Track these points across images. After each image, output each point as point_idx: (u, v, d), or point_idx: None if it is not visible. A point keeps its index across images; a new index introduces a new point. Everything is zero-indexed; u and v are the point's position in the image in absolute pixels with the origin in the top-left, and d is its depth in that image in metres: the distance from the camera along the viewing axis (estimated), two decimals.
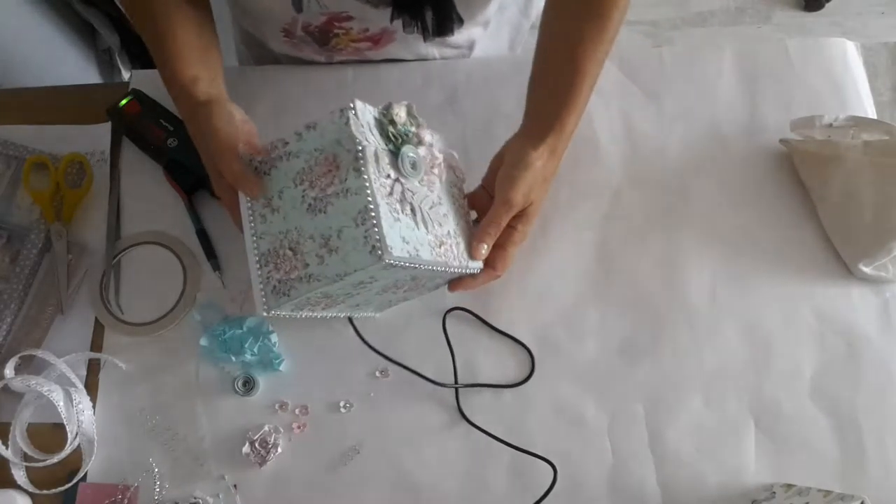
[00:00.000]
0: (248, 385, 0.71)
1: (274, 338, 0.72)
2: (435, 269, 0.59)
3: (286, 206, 0.58)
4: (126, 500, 0.68)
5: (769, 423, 0.70)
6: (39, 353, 0.70)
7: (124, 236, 0.77)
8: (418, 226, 0.58)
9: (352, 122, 0.56)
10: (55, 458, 0.68)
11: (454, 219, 0.64)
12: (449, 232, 0.62)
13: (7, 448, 0.68)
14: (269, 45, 0.84)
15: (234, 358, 0.71)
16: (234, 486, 0.68)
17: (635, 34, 1.97)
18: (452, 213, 0.64)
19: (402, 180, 0.58)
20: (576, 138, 0.76)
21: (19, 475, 0.68)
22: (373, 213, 0.54)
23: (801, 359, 0.72)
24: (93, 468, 0.69)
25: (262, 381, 0.71)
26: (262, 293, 0.58)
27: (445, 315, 0.73)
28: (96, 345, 0.73)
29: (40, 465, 0.68)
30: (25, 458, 0.69)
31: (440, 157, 0.63)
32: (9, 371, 0.69)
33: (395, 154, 0.58)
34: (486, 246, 0.65)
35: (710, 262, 0.75)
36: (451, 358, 0.71)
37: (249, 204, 0.60)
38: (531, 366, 0.72)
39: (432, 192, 0.62)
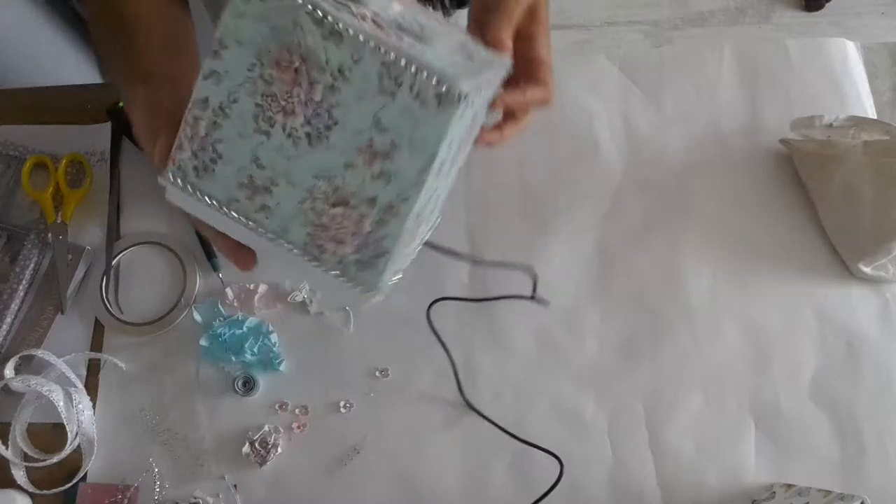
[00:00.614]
0: (248, 385, 0.71)
1: (274, 338, 0.72)
2: (492, 81, 0.45)
3: (277, 166, 0.42)
4: (126, 500, 0.68)
5: (769, 423, 0.70)
6: (39, 353, 0.70)
7: (124, 236, 0.77)
8: (437, 41, 0.43)
9: None
10: (55, 458, 0.68)
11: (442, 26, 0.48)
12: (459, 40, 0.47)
13: (7, 448, 0.68)
14: None
15: (234, 358, 0.71)
16: (234, 486, 0.68)
17: (635, 34, 1.97)
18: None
19: (373, 9, 0.42)
20: (576, 138, 0.77)
21: (19, 475, 0.68)
22: (402, 60, 0.38)
23: (801, 359, 0.72)
24: (93, 468, 0.69)
25: (262, 381, 0.71)
26: (351, 283, 0.44)
27: (429, 308, 0.70)
28: (96, 345, 0.73)
29: (40, 465, 0.68)
30: (25, 458, 0.69)
31: None
32: (9, 371, 0.69)
33: None
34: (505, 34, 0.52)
35: (710, 262, 0.75)
36: (447, 354, 0.71)
37: (234, 213, 0.44)
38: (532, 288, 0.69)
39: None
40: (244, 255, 0.49)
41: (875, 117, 0.80)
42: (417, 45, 0.41)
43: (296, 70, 0.40)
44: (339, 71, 0.39)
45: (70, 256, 0.75)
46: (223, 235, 0.48)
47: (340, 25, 0.39)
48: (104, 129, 0.80)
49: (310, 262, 0.43)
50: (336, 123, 0.40)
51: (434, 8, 0.64)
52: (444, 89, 0.38)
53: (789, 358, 0.72)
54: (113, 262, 0.75)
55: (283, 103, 0.41)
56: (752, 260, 0.76)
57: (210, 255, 0.75)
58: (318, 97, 0.40)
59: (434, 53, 0.41)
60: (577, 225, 0.77)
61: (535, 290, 0.69)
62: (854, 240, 0.73)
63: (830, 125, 0.75)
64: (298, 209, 0.43)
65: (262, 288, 0.74)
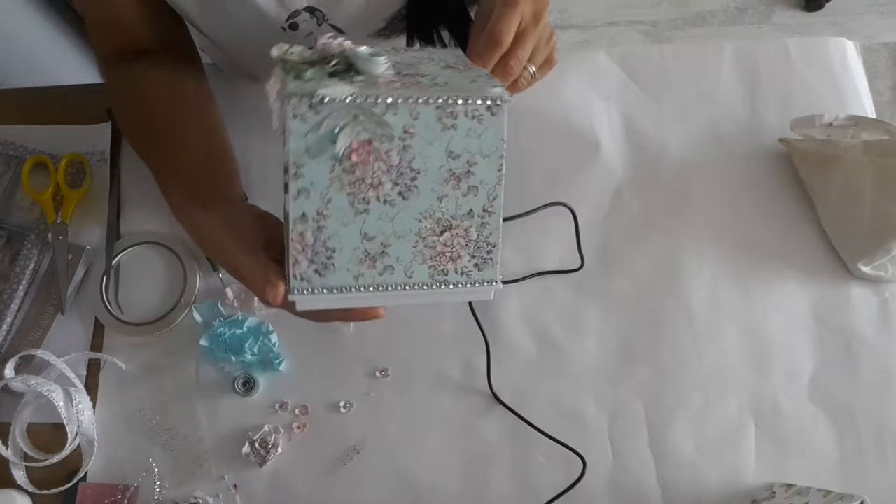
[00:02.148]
0: (248, 385, 0.71)
1: (274, 338, 0.72)
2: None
3: (384, 230, 0.48)
4: (126, 500, 0.68)
5: (769, 423, 0.70)
6: (39, 353, 0.70)
7: (124, 236, 0.77)
8: (432, 68, 0.50)
9: (322, 98, 0.44)
10: (55, 458, 0.68)
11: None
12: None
13: (7, 448, 0.68)
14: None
15: (234, 358, 0.71)
16: (234, 486, 0.68)
17: (635, 34, 1.97)
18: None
19: (382, 71, 0.48)
20: (576, 138, 0.77)
21: (19, 475, 0.68)
22: (451, 99, 0.46)
23: (801, 358, 0.72)
24: (93, 468, 0.69)
25: (262, 381, 0.71)
26: (474, 284, 0.50)
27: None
28: (96, 345, 0.73)
29: (40, 465, 0.68)
30: (25, 458, 0.69)
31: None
32: (9, 371, 0.69)
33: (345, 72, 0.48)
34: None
35: (710, 261, 0.75)
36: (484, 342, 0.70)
37: (364, 288, 0.49)
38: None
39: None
40: (373, 310, 0.52)
41: (875, 117, 0.80)
42: (434, 79, 0.48)
43: (368, 152, 0.46)
44: (405, 132, 0.46)
45: (70, 256, 0.75)
46: (350, 309, 0.52)
47: (390, 101, 0.45)
48: (104, 129, 0.80)
49: (438, 290, 0.50)
50: (419, 172, 0.47)
51: (433, 45, 0.66)
52: (489, 102, 0.46)
53: (789, 357, 0.72)
54: (113, 262, 0.75)
55: (369, 181, 0.47)
56: (752, 259, 0.76)
57: None
58: (395, 161, 0.47)
59: (454, 79, 0.48)
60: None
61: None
62: (853, 239, 0.73)
63: (830, 125, 0.75)
64: (414, 253, 0.48)
65: None
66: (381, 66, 0.47)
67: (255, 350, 0.71)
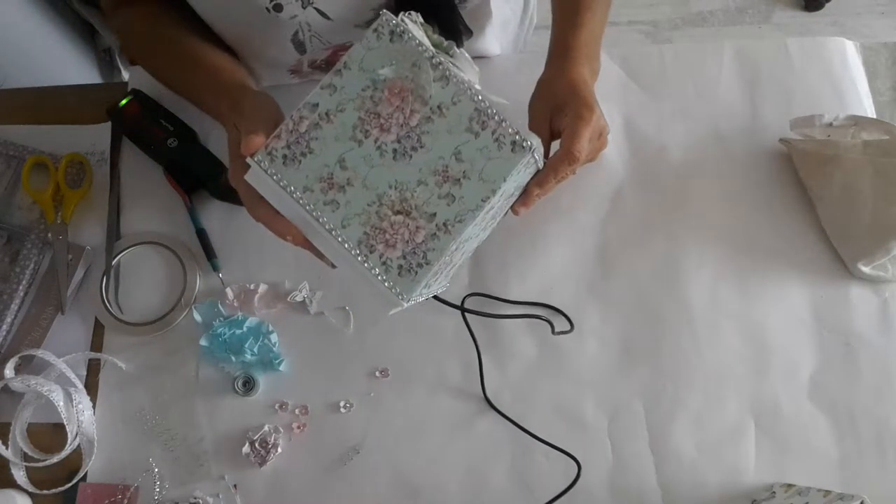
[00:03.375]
0: (248, 385, 0.71)
1: (274, 338, 0.72)
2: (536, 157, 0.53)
3: (358, 170, 0.49)
4: (126, 500, 0.68)
5: (769, 423, 0.70)
6: (39, 353, 0.70)
7: (124, 236, 0.77)
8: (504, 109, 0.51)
9: (405, 32, 0.48)
10: (55, 458, 0.68)
11: None
12: None
13: (7, 448, 0.68)
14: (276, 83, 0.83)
15: (234, 358, 0.71)
16: (234, 486, 0.68)
17: (635, 34, 1.97)
18: None
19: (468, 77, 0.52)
20: None
21: (19, 475, 0.68)
22: (491, 110, 0.48)
23: (801, 358, 0.72)
24: (93, 468, 0.69)
25: (262, 381, 0.71)
26: (388, 283, 0.49)
27: (463, 300, 0.70)
28: (96, 345, 0.73)
29: (40, 465, 0.68)
30: (25, 458, 0.69)
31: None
32: (9, 371, 0.69)
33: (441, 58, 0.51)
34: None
35: (709, 261, 0.75)
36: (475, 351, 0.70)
37: (303, 200, 0.50)
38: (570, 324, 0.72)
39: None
40: (288, 231, 0.54)
41: (875, 117, 0.80)
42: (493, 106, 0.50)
43: (402, 98, 0.49)
44: (439, 107, 0.49)
45: (70, 256, 0.75)
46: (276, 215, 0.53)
47: (451, 72, 0.49)
48: (104, 129, 0.80)
49: (356, 257, 0.49)
50: (422, 147, 0.49)
51: (454, 38, 0.67)
52: (517, 138, 0.48)
53: (789, 357, 0.72)
54: (113, 262, 0.75)
55: (381, 121, 0.49)
56: (752, 259, 0.75)
57: (210, 255, 0.75)
58: (413, 123, 0.49)
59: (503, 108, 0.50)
60: (578, 225, 0.77)
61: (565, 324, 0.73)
62: (853, 239, 0.73)
63: (830, 125, 0.75)
64: (364, 210, 0.49)
65: (262, 288, 0.74)
66: (473, 72, 0.51)
67: (255, 350, 0.71)
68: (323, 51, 0.73)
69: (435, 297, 0.61)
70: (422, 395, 0.71)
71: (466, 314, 0.67)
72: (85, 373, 0.72)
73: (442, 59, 0.49)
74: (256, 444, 0.69)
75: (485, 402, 0.70)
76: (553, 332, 0.71)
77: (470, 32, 0.71)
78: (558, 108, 0.65)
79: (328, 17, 0.66)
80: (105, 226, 0.76)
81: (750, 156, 0.80)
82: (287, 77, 0.80)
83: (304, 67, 0.77)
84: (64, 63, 1.13)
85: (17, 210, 0.78)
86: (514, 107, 0.59)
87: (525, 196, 0.60)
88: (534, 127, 0.67)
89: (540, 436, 0.68)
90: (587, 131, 0.62)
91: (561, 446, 0.68)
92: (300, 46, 0.71)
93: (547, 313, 0.73)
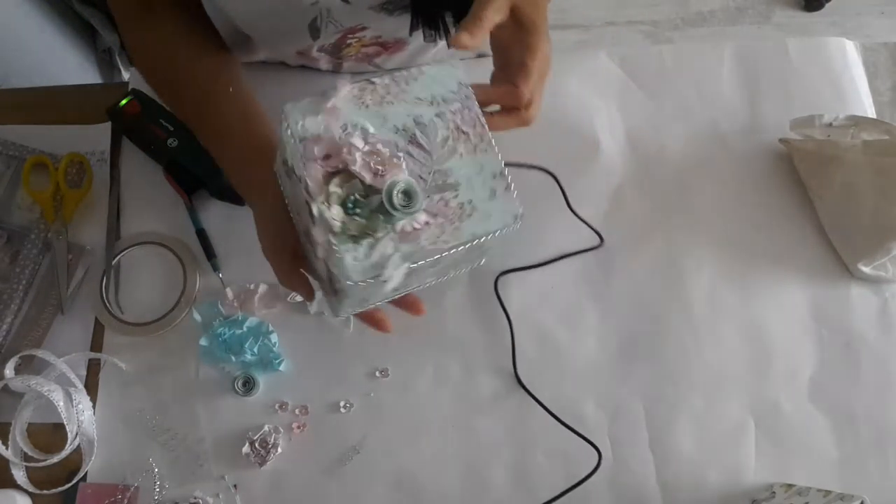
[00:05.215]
0: (248, 385, 0.71)
1: (274, 338, 0.72)
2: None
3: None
4: (126, 500, 0.68)
5: (769, 423, 0.70)
6: (39, 353, 0.70)
7: (124, 236, 0.77)
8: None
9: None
10: (55, 458, 0.68)
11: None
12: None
13: (7, 448, 0.68)
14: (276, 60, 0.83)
15: (234, 358, 0.71)
16: (234, 486, 0.68)
17: (635, 34, 1.97)
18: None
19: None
20: (576, 138, 0.77)
21: (19, 475, 0.68)
22: (477, 241, 0.48)
23: (801, 359, 0.72)
24: (93, 468, 0.69)
25: (262, 381, 0.71)
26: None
27: (497, 279, 0.73)
28: (96, 345, 0.73)
29: (40, 465, 0.68)
30: (25, 458, 0.69)
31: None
32: (9, 371, 0.69)
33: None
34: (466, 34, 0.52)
35: (709, 261, 0.75)
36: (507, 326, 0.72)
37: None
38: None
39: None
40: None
41: (875, 117, 0.80)
42: (457, 193, 0.48)
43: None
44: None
45: (70, 256, 0.75)
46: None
47: (432, 270, 0.50)
48: (104, 129, 0.80)
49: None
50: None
51: (437, 39, 0.66)
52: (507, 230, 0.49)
53: (789, 358, 0.72)
54: (113, 262, 0.75)
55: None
56: (752, 259, 0.76)
57: (210, 255, 0.75)
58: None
59: (476, 187, 0.49)
60: (577, 225, 0.77)
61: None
62: (854, 239, 0.73)
63: (830, 125, 0.75)
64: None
65: (262, 288, 0.74)
66: (414, 221, 0.47)
67: (255, 350, 0.71)
68: (334, 34, 0.72)
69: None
70: (422, 394, 0.71)
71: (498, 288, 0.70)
72: (85, 373, 0.72)
73: (417, 262, 0.46)
74: (256, 444, 0.69)
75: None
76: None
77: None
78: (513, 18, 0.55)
79: (347, 1, 0.65)
80: (105, 226, 0.76)
81: (750, 156, 0.80)
82: (291, 56, 0.80)
83: (312, 52, 0.76)
84: (64, 63, 1.13)
85: (17, 210, 0.78)
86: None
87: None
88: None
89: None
90: (534, 79, 0.56)
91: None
92: (315, 32, 0.70)
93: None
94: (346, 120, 0.47)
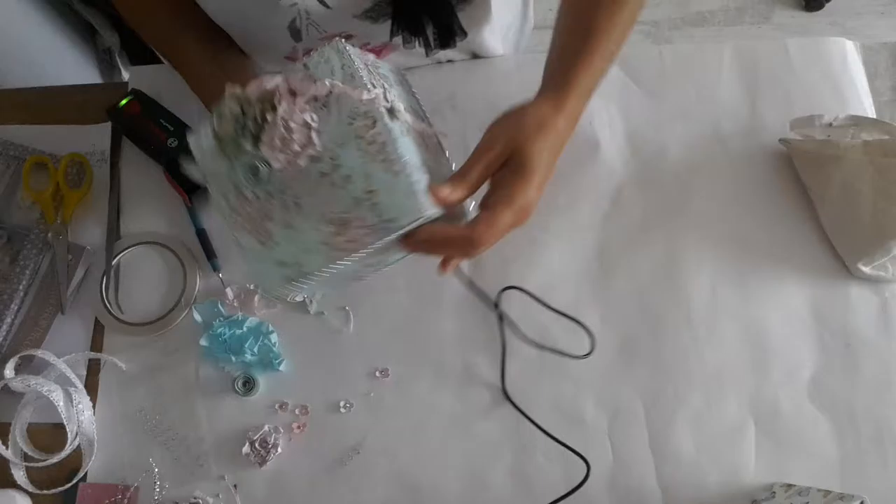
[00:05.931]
0: (248, 385, 0.71)
1: (274, 338, 0.72)
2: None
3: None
4: (126, 500, 0.68)
5: (769, 423, 0.70)
6: (39, 353, 0.70)
7: (124, 236, 0.77)
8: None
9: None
10: (55, 458, 0.68)
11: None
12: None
13: (7, 448, 0.68)
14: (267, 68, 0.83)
15: (234, 358, 0.71)
16: (234, 486, 0.68)
17: (635, 34, 1.96)
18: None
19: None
20: (576, 138, 0.75)
21: (19, 475, 0.68)
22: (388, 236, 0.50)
23: (801, 359, 0.72)
24: (93, 468, 0.69)
25: (262, 381, 0.71)
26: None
27: (500, 294, 0.72)
28: (96, 345, 0.73)
29: (40, 465, 0.68)
30: (25, 458, 0.69)
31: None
32: (9, 371, 0.69)
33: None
34: (449, 188, 0.51)
35: (709, 261, 0.75)
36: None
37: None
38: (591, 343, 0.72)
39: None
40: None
41: (875, 117, 0.80)
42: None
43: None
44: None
45: (70, 256, 0.75)
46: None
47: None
48: (104, 129, 0.80)
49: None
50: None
51: (417, 46, 0.66)
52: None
53: (789, 357, 0.72)
54: (113, 262, 0.75)
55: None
56: (752, 260, 0.76)
57: (210, 255, 0.75)
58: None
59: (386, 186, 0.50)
60: (577, 225, 0.77)
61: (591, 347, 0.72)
62: (854, 239, 0.73)
63: (830, 125, 0.75)
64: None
65: None
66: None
67: (255, 350, 0.71)
68: (319, 39, 0.73)
69: (474, 290, 0.70)
70: (422, 394, 0.71)
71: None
72: (85, 373, 0.72)
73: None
74: (256, 444, 0.69)
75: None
76: (582, 353, 0.71)
77: (465, 34, 0.71)
78: (509, 145, 0.54)
79: (327, 6, 0.66)
80: (105, 226, 0.76)
81: (750, 156, 0.80)
82: (282, 63, 0.80)
83: (299, 55, 0.77)
84: (64, 63, 1.13)
85: (17, 210, 0.78)
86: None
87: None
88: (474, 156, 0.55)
89: (539, 435, 0.68)
90: (502, 223, 0.53)
91: (560, 448, 0.68)
92: (296, 34, 0.71)
93: (573, 328, 0.73)
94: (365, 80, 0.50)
